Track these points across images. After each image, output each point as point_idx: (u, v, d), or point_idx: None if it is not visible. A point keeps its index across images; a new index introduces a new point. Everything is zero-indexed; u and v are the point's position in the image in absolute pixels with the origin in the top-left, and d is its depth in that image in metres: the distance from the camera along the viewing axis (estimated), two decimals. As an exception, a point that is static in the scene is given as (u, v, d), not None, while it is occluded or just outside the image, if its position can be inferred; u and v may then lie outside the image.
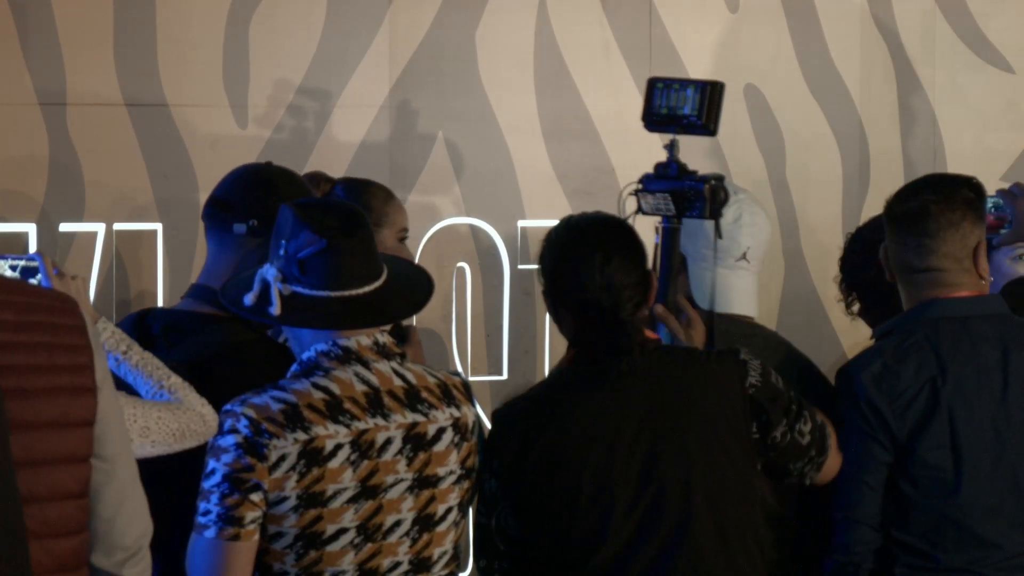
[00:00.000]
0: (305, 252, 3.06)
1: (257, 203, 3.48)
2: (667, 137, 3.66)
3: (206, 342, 3.42)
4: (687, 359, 3.31)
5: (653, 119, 3.64)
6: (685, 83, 3.62)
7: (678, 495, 3.14)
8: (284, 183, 3.56)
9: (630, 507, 3.14)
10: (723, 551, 3.17)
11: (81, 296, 3.14)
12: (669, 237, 3.66)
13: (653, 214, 3.64)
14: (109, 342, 3.14)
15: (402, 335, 3.77)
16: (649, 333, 3.27)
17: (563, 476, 3.16)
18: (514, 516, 3.19)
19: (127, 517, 2.68)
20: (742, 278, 3.78)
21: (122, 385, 3.16)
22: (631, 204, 3.63)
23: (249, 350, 3.43)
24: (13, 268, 3.11)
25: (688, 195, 3.56)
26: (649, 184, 3.61)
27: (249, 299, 3.11)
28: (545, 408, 3.22)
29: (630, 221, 3.42)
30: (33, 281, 3.10)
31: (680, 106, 3.61)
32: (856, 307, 4.19)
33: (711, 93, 3.59)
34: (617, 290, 3.19)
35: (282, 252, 3.09)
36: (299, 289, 3.09)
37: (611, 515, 3.14)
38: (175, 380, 3.14)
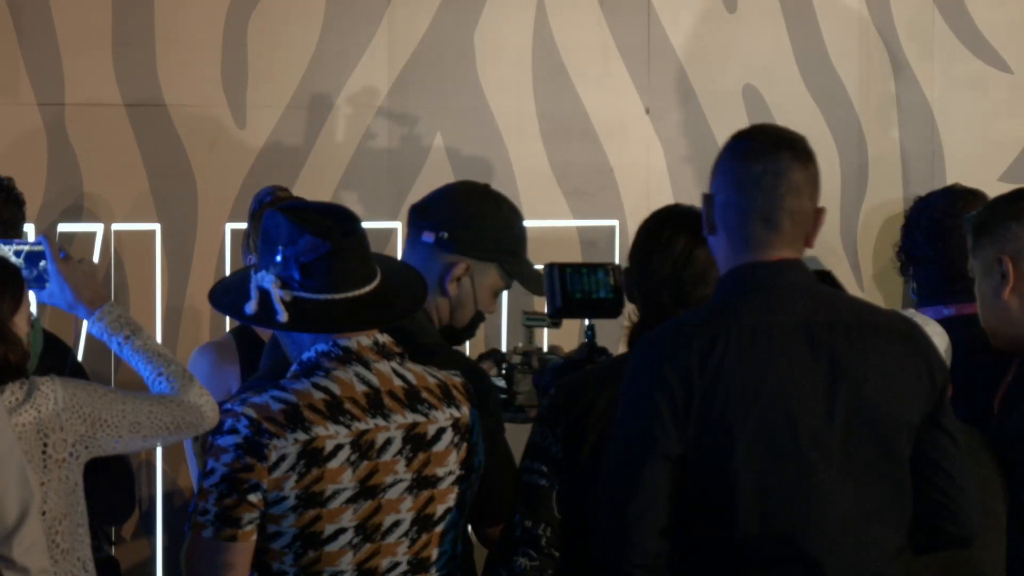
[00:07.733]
0: (309, 256, 3.05)
1: (453, 216, 3.51)
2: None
3: None
4: None
5: (572, 306, 3.50)
6: (593, 267, 3.50)
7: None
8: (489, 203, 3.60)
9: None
10: None
11: (89, 279, 3.13)
12: None
13: None
14: (112, 326, 3.13)
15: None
16: None
17: None
18: (573, 482, 3.13)
19: (1, 496, 2.66)
20: None
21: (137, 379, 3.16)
22: None
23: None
24: (18, 254, 3.11)
25: None
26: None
27: (251, 308, 3.08)
28: (610, 380, 3.13)
29: None
30: (40, 265, 3.10)
31: (596, 290, 3.50)
32: (912, 274, 4.18)
33: (617, 273, 3.50)
34: (688, 283, 3.13)
35: (279, 258, 3.07)
36: (302, 294, 3.07)
37: None
38: (176, 368, 3.13)
